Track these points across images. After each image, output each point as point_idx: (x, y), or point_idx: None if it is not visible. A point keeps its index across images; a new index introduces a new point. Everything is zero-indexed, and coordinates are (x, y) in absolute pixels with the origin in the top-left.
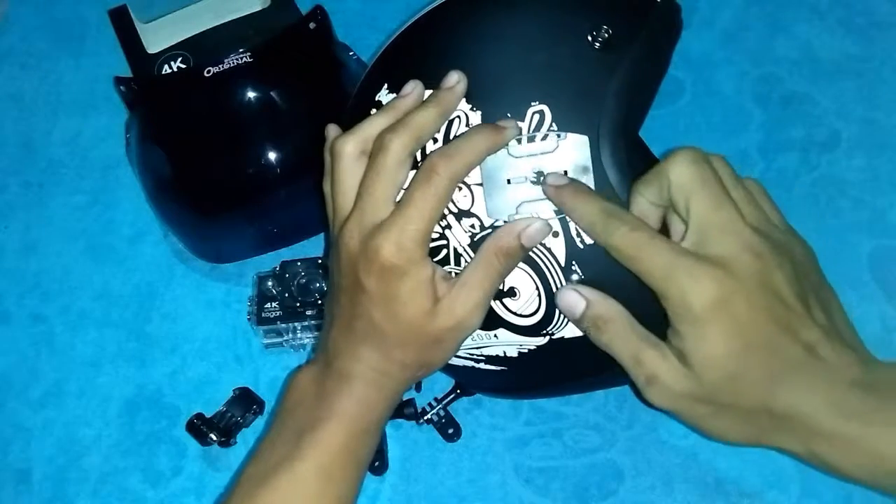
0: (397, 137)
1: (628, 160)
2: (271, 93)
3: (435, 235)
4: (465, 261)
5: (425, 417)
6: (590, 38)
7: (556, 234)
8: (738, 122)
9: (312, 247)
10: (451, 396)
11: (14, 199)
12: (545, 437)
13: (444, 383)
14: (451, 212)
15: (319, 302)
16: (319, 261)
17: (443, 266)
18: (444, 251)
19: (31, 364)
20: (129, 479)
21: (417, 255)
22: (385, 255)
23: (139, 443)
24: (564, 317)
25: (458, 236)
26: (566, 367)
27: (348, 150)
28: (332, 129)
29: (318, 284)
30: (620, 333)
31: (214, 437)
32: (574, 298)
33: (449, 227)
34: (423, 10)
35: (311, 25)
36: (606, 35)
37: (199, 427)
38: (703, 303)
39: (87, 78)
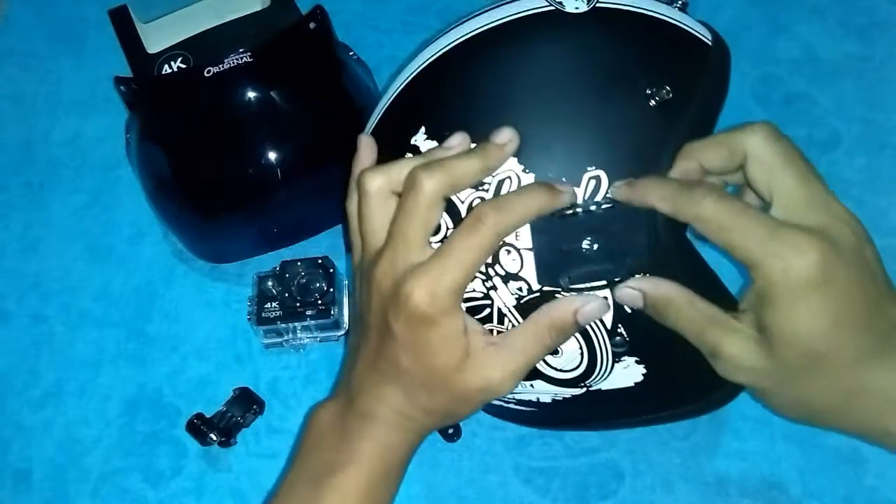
0: (430, 178)
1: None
2: (271, 93)
3: (479, 295)
4: (510, 320)
5: None
6: (648, 92)
7: (605, 299)
8: (738, 123)
9: (312, 247)
10: None
11: (14, 199)
12: (545, 437)
13: None
14: (497, 274)
15: (319, 302)
16: (319, 260)
17: (484, 324)
18: (488, 310)
19: (31, 364)
20: (129, 479)
21: (450, 305)
22: (416, 302)
23: (139, 443)
24: (605, 371)
25: (504, 298)
26: (599, 412)
27: (376, 186)
28: (363, 142)
29: (318, 284)
30: (684, 313)
31: (214, 437)
32: (631, 295)
33: (495, 288)
34: (464, 33)
35: (312, 25)
36: (668, 97)
37: (199, 427)
38: (807, 275)
39: (88, 78)
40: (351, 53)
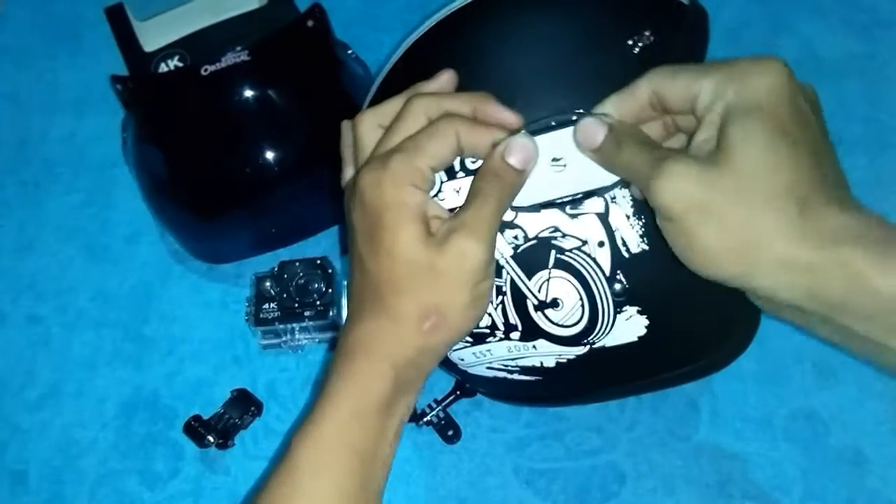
0: (420, 99)
1: None
2: (269, 91)
3: None
4: (508, 272)
5: (425, 419)
6: (630, 42)
7: (601, 244)
8: None
9: (311, 247)
10: (451, 398)
11: (10, 198)
12: (546, 438)
13: (445, 385)
14: None
15: (318, 303)
16: (318, 261)
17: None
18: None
19: (27, 365)
20: (125, 481)
21: (402, 179)
22: (364, 186)
23: (136, 445)
24: (607, 324)
25: (501, 248)
26: (602, 375)
27: (367, 121)
28: (346, 123)
29: (316, 285)
30: (640, 145)
31: (212, 439)
32: (594, 123)
33: None
34: (448, 10)
35: (310, 23)
36: (649, 41)
37: (196, 429)
38: (774, 83)
39: (84, 77)
40: (349, 52)
